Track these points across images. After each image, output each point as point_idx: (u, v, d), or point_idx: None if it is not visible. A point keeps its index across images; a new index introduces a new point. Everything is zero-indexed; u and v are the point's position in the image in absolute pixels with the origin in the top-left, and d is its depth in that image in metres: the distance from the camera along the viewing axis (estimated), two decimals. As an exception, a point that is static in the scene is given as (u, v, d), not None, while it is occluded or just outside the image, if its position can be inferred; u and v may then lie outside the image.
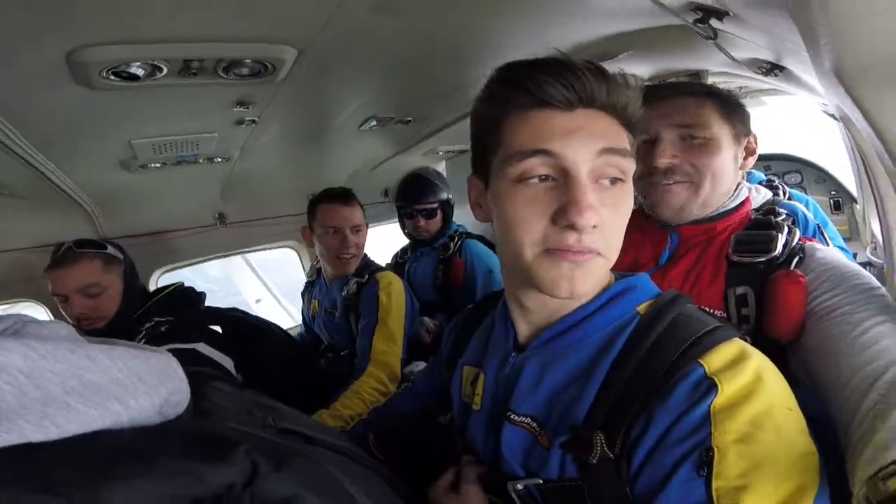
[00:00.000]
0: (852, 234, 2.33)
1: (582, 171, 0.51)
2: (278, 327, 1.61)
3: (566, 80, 0.51)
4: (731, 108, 0.84)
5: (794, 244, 0.77)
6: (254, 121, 1.22)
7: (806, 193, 1.95)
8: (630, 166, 0.54)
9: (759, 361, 0.50)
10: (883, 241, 1.56)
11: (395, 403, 1.02)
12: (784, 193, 1.41)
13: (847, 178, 2.33)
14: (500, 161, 0.55)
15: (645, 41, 1.12)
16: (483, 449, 0.65)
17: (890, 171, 0.66)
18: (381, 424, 0.99)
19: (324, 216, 1.50)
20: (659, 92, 0.86)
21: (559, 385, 0.58)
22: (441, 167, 2.54)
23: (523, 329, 0.63)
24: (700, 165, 0.81)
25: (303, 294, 1.86)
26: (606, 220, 0.52)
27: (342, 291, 1.53)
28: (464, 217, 2.19)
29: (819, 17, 0.46)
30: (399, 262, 2.02)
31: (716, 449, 0.45)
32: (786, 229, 0.79)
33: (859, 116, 0.61)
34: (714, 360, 0.50)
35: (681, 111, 0.83)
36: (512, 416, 0.60)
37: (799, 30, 0.57)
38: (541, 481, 0.55)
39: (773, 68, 1.16)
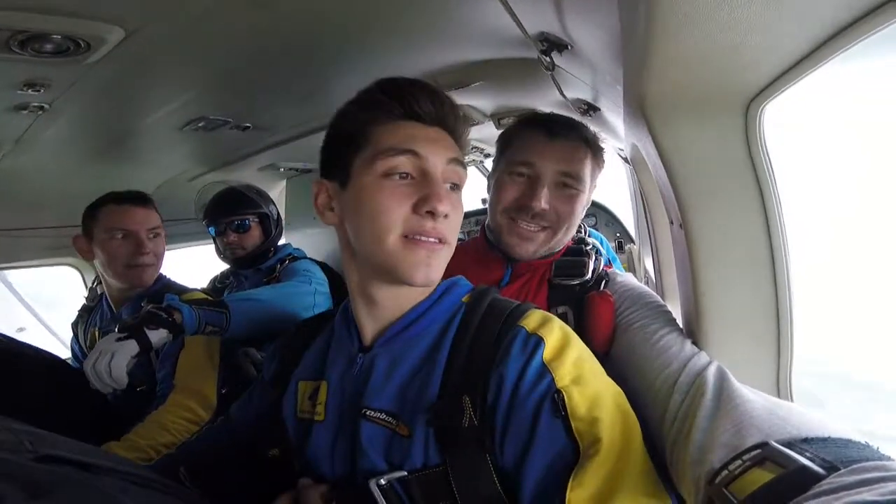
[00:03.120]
0: (629, 271, 3.06)
1: (438, 172, 0.68)
2: (50, 354, 1.39)
3: (434, 100, 0.70)
4: (598, 163, 1.03)
5: (600, 270, 1.03)
6: (42, 107, 1.08)
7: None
8: (465, 177, 0.73)
9: (559, 321, 0.70)
10: (654, 274, 2.13)
11: (208, 437, 0.99)
12: (584, 231, 1.80)
13: (628, 223, 3.09)
14: (368, 158, 0.68)
15: (493, 73, 1.37)
16: (331, 459, 0.72)
17: (667, 198, 0.97)
18: (195, 458, 0.94)
19: (109, 218, 1.36)
20: (553, 129, 0.99)
21: (408, 374, 0.69)
22: (280, 187, 2.51)
23: (369, 328, 0.74)
24: (563, 214, 0.98)
25: (75, 324, 1.63)
26: (451, 215, 0.68)
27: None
28: (305, 242, 2.22)
29: (638, 50, 0.66)
30: (218, 287, 1.93)
31: (563, 391, 0.60)
32: (593, 257, 1.04)
33: (651, 148, 0.90)
34: (529, 322, 0.68)
35: (567, 159, 0.98)
36: (368, 413, 0.68)
37: (623, 60, 0.80)
38: (405, 473, 0.64)
39: (589, 109, 1.55)
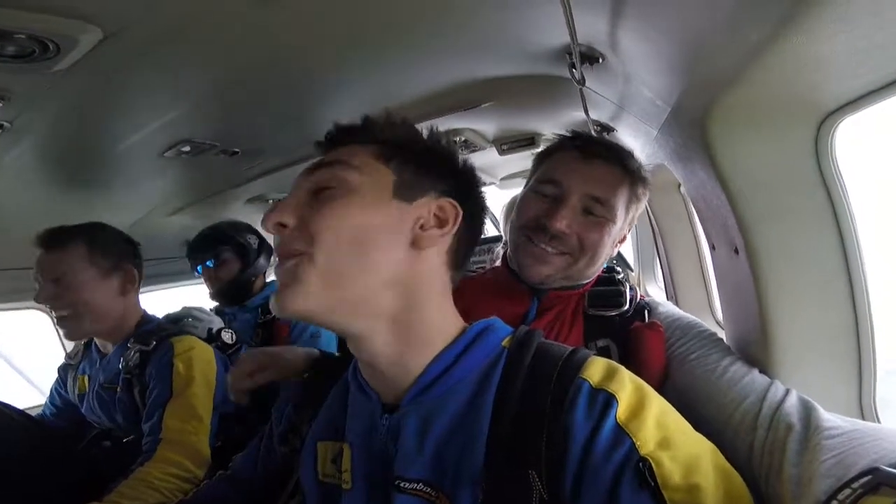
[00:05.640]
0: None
1: (294, 190, 0.62)
2: (16, 410, 1.31)
3: (323, 147, 0.68)
4: (636, 195, 0.94)
5: (637, 299, 0.94)
6: (2, 126, 0.93)
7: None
8: (348, 174, 0.61)
9: (626, 370, 0.59)
10: (668, 300, 2.09)
11: (207, 494, 0.90)
12: None
13: (624, 249, 3.02)
14: None
15: (505, 92, 1.29)
16: None
17: (718, 221, 0.88)
18: None
19: None
20: (589, 148, 0.92)
21: (444, 436, 0.59)
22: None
23: (383, 388, 0.64)
24: (587, 242, 0.89)
25: (63, 368, 1.52)
26: (308, 220, 0.58)
27: (121, 362, 1.30)
28: None
29: (722, 57, 0.59)
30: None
31: (649, 457, 0.50)
32: (627, 286, 0.96)
33: (703, 167, 0.82)
34: (592, 373, 0.57)
35: (598, 181, 0.89)
36: (402, 485, 0.58)
37: (684, 70, 0.73)
38: None
39: (603, 129, 1.48)
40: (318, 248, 0.56)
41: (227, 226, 1.91)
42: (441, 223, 0.63)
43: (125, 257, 1.35)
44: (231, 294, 1.86)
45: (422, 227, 0.61)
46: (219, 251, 1.83)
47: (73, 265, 1.25)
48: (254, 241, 1.89)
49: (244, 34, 0.86)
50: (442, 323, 0.64)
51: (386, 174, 0.62)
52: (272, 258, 1.94)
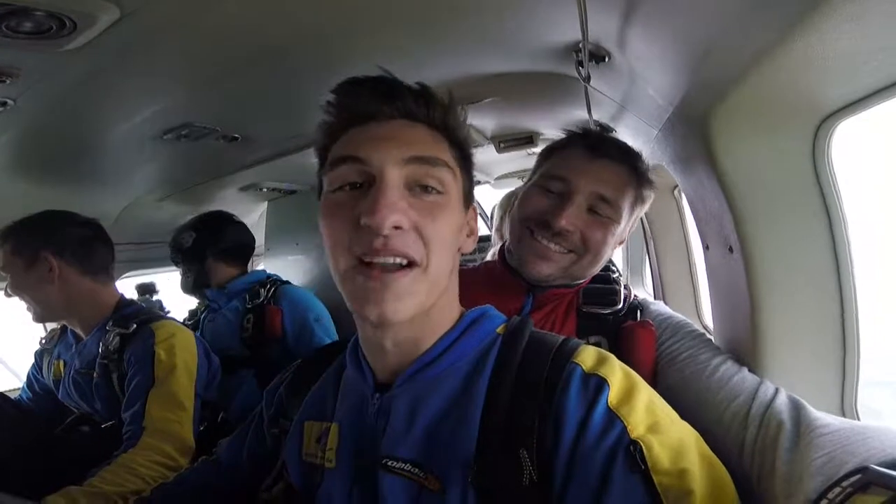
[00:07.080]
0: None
1: (388, 174, 0.56)
2: None
3: (385, 92, 0.60)
4: (641, 197, 0.96)
5: (631, 298, 0.97)
6: (5, 103, 0.93)
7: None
8: (448, 177, 0.60)
9: (616, 358, 0.61)
10: (655, 298, 2.14)
11: (190, 478, 0.90)
12: None
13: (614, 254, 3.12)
14: (324, 174, 0.62)
15: (509, 88, 1.31)
16: None
17: (713, 222, 0.91)
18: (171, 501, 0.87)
19: None
20: (598, 147, 0.93)
21: (435, 418, 0.61)
22: (261, 209, 2.36)
23: (382, 368, 0.66)
24: (591, 241, 0.90)
25: (39, 353, 1.52)
26: (421, 225, 0.57)
27: (100, 346, 1.30)
28: (287, 269, 2.13)
29: (727, 57, 0.62)
30: (195, 318, 1.93)
31: (640, 441, 0.52)
32: (622, 284, 0.98)
33: (703, 168, 0.85)
34: (584, 359, 0.59)
35: (605, 181, 0.90)
36: (389, 463, 0.60)
37: (689, 70, 0.75)
38: None
39: (603, 129, 1.51)
40: (432, 258, 0.57)
41: (181, 230, 1.89)
42: (471, 231, 0.67)
43: (47, 246, 1.29)
44: (189, 289, 1.89)
45: (466, 234, 0.66)
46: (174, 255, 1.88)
47: (6, 264, 1.27)
48: (187, 239, 1.82)
49: (253, 20, 0.87)
50: (451, 310, 0.68)
51: (461, 180, 0.63)
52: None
